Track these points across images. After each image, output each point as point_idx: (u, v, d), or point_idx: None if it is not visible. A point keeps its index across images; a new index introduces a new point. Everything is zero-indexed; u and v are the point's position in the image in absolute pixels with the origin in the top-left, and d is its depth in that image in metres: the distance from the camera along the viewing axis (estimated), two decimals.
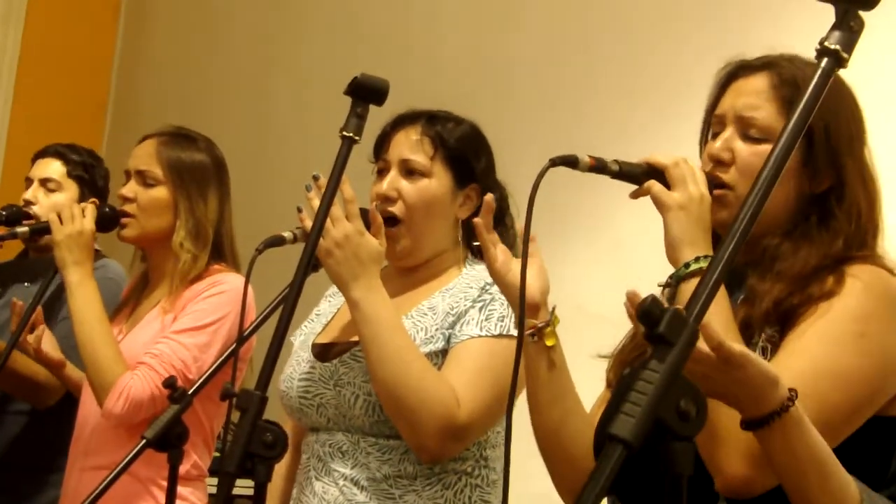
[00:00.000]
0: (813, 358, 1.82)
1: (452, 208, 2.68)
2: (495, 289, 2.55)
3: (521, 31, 4.66)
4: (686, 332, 1.28)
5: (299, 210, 2.48)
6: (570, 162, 1.86)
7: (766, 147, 1.96)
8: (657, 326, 1.28)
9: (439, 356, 2.54)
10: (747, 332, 1.89)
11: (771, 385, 1.58)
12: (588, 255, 4.10)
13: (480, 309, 2.55)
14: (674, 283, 1.93)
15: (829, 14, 1.53)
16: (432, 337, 2.55)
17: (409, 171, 2.65)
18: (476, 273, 2.64)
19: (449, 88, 4.63)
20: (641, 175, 1.96)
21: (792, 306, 1.88)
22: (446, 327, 2.55)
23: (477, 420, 2.48)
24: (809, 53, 1.58)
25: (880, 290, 1.89)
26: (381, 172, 2.69)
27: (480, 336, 2.51)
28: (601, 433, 1.72)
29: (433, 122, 2.68)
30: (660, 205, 1.93)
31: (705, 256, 1.89)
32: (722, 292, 1.85)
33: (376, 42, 5.18)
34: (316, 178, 2.46)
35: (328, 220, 2.43)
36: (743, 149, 2.01)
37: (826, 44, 1.51)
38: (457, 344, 2.53)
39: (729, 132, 2.03)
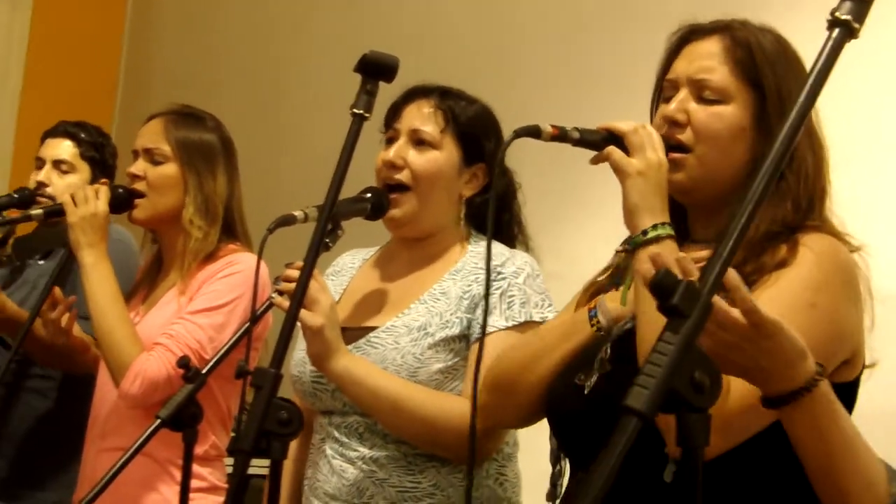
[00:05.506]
0: None
1: (458, 184, 2.67)
2: (507, 270, 2.56)
3: (526, 9, 4.64)
4: (700, 303, 1.28)
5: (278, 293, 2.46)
6: (534, 132, 1.88)
7: (722, 108, 2.01)
8: (671, 298, 1.28)
9: (457, 340, 2.54)
10: None
11: (800, 357, 1.55)
12: (596, 230, 4.09)
13: (500, 296, 2.54)
14: (630, 249, 1.95)
15: None
16: (448, 322, 2.55)
17: (419, 141, 2.65)
18: (482, 251, 2.63)
19: (452, 67, 4.62)
20: (601, 141, 1.96)
21: (745, 275, 1.85)
22: (463, 311, 2.55)
23: None
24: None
25: (832, 260, 1.90)
26: (390, 141, 2.69)
27: (507, 328, 2.51)
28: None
29: (446, 97, 2.68)
30: (619, 171, 1.94)
31: (662, 224, 1.90)
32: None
33: (382, 20, 5.17)
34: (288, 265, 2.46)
35: (319, 294, 2.46)
36: (698, 110, 2.02)
37: (837, 14, 1.49)
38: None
39: (683, 94, 2.04)
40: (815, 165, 2.02)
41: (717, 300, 1.46)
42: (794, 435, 1.60)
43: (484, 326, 1.95)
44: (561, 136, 1.92)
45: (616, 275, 2.11)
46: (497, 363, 2.27)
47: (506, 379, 2.13)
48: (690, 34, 2.11)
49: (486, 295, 1.77)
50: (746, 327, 1.49)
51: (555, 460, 2.13)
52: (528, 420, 2.21)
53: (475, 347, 2.53)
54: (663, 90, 2.11)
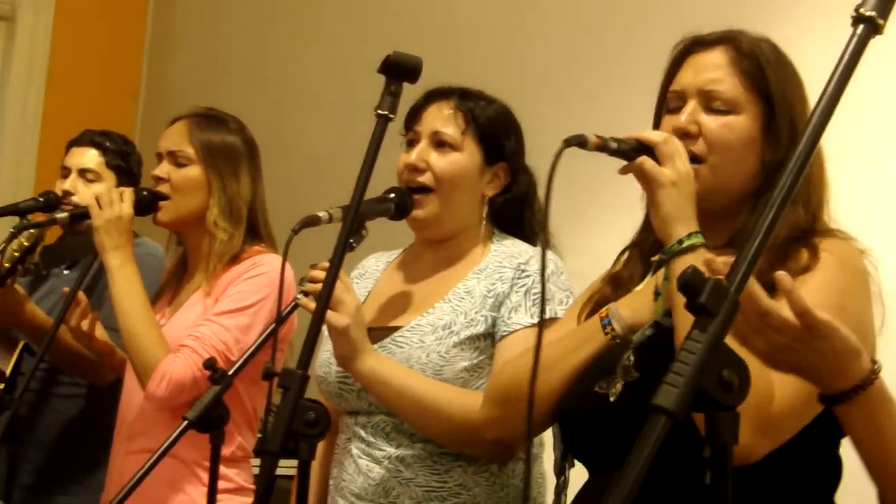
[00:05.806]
0: None
1: (480, 185, 2.68)
2: (531, 268, 2.57)
3: (536, 9, 4.63)
4: (727, 302, 1.28)
5: (304, 294, 2.47)
6: (582, 142, 1.89)
7: (732, 118, 2.03)
8: (699, 297, 1.28)
9: (481, 339, 2.55)
10: None
11: (854, 356, 1.54)
12: (618, 229, 4.09)
13: (525, 294, 2.55)
14: (666, 259, 1.96)
15: None
16: (473, 320, 2.56)
17: (440, 143, 2.65)
18: (505, 249, 2.65)
19: (460, 68, 4.61)
20: (632, 151, 1.97)
21: (771, 281, 1.88)
22: (488, 309, 2.56)
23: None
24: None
25: (853, 265, 1.93)
26: (411, 144, 2.69)
27: (532, 325, 2.52)
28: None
29: (466, 98, 2.69)
30: (650, 181, 1.95)
31: (695, 233, 1.92)
32: None
33: (398, 26, 5.17)
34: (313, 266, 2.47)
35: (344, 295, 2.46)
36: (709, 121, 2.04)
37: (861, 10, 1.48)
38: (507, 334, 2.53)
39: (692, 106, 2.05)
40: (818, 167, 2.05)
41: (772, 303, 1.47)
42: (850, 430, 1.61)
43: (541, 322, 1.91)
44: (603, 146, 1.93)
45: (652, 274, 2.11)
46: (499, 375, 2.27)
47: (513, 391, 2.12)
48: (693, 45, 2.12)
49: (542, 292, 1.79)
50: (800, 329, 1.49)
51: (559, 471, 2.14)
52: (537, 430, 2.22)
53: (501, 345, 2.54)
54: (668, 101, 2.11)
